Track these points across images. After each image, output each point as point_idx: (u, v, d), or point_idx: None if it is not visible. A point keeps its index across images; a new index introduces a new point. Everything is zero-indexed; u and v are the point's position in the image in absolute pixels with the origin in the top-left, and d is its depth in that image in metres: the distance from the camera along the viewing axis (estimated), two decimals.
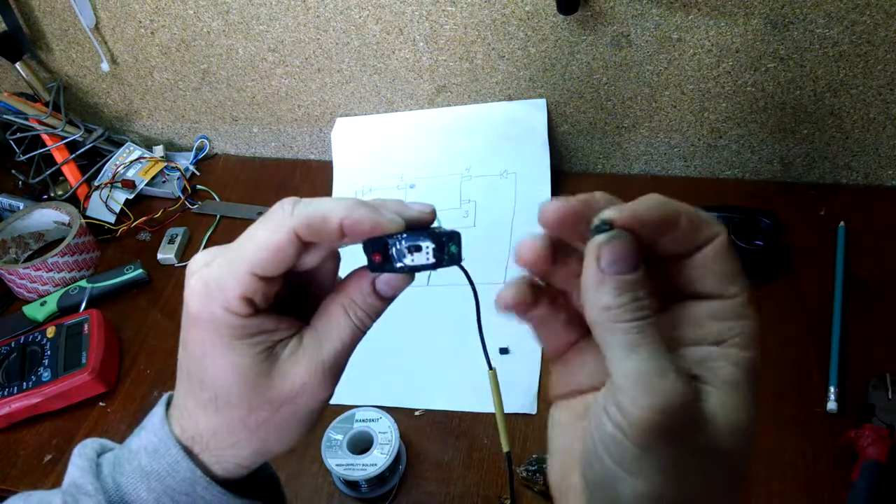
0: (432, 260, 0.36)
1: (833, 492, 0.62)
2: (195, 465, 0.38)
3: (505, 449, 0.57)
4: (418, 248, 0.36)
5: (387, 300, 0.38)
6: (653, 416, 0.27)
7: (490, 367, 0.57)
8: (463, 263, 0.41)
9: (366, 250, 0.37)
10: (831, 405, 0.67)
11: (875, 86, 0.78)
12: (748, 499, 0.62)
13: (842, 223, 0.82)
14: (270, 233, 0.35)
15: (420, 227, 0.38)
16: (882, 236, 0.81)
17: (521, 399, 0.71)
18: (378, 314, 0.39)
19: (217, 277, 0.35)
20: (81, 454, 0.41)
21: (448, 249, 0.37)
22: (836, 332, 0.72)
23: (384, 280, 0.38)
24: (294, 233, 0.34)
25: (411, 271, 0.37)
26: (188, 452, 0.38)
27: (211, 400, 0.37)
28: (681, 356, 0.30)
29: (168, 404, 0.40)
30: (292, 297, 0.40)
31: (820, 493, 0.62)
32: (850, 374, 0.69)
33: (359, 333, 0.38)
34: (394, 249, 0.36)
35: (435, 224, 0.39)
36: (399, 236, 0.36)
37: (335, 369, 0.38)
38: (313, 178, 1.01)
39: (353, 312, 0.38)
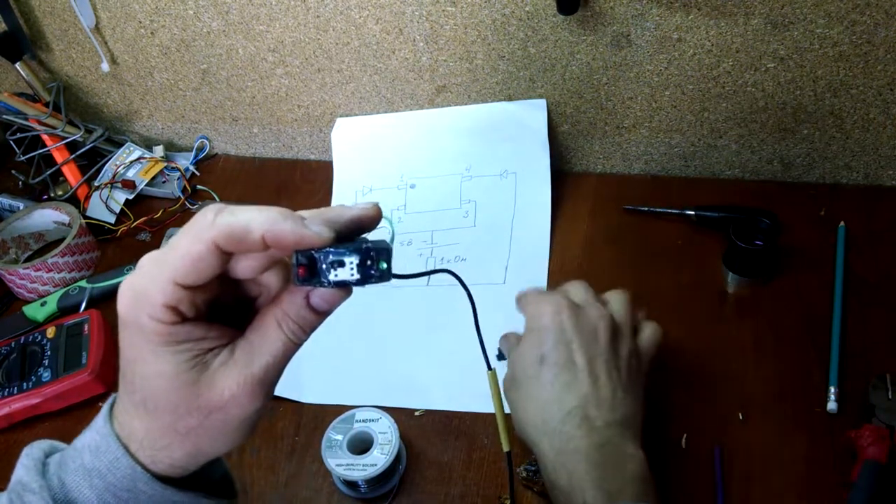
0: (357, 276, 0.35)
1: (833, 492, 0.62)
2: (135, 462, 0.38)
3: (505, 448, 0.58)
4: (342, 264, 0.35)
5: (321, 314, 0.38)
6: None
7: (489, 368, 0.57)
8: (454, 269, 0.41)
9: (293, 263, 0.36)
10: (831, 405, 0.67)
11: (875, 86, 0.78)
12: (748, 498, 0.62)
13: (842, 223, 0.82)
14: (190, 242, 0.34)
15: (357, 235, 0.37)
16: (882, 236, 0.81)
17: None
18: (313, 328, 0.38)
19: (142, 283, 0.35)
20: (29, 454, 0.41)
21: (376, 265, 0.35)
22: (836, 332, 0.72)
23: (319, 294, 0.37)
24: (214, 243, 0.34)
25: (337, 287, 0.36)
26: (127, 450, 0.39)
27: (141, 402, 0.38)
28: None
29: (114, 404, 0.41)
30: (239, 307, 0.40)
31: (820, 493, 0.62)
32: (850, 374, 0.69)
33: (291, 347, 0.38)
34: (319, 264, 0.35)
35: (384, 224, 0.38)
36: (325, 250, 0.35)
37: (266, 382, 0.38)
38: (313, 178, 1.01)
39: (287, 325, 0.37)
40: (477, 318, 0.50)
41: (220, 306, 0.39)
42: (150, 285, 0.35)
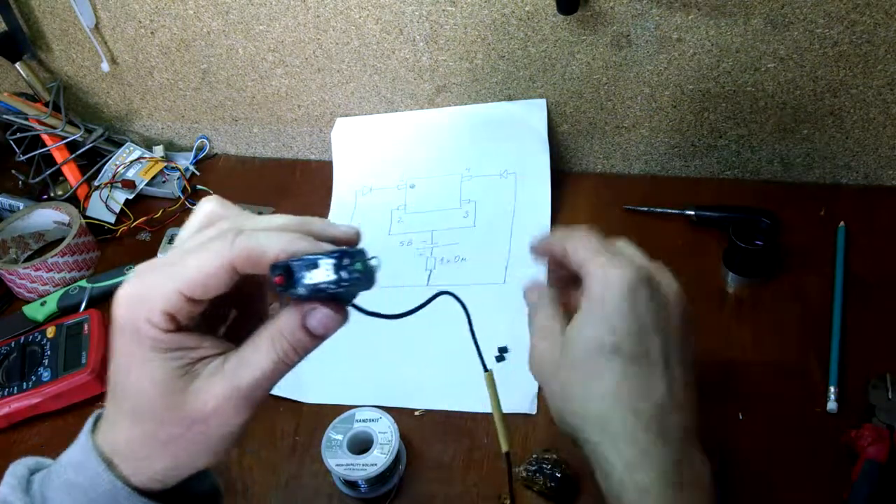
0: (332, 277, 0.35)
1: (833, 492, 0.62)
2: (116, 476, 0.38)
3: (504, 449, 0.58)
4: (316, 265, 0.35)
5: (316, 338, 0.38)
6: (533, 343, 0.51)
7: (486, 369, 0.57)
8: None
9: (270, 274, 0.36)
10: (831, 405, 0.67)
11: (875, 86, 0.78)
12: (748, 499, 0.62)
13: (842, 223, 0.82)
14: (207, 258, 0.35)
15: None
16: (882, 236, 0.81)
17: (520, 399, 0.71)
18: (306, 351, 0.38)
19: (145, 290, 0.36)
20: (13, 473, 0.41)
21: (352, 266, 0.35)
22: (836, 332, 0.72)
23: (315, 317, 0.37)
24: (231, 264, 0.35)
25: (313, 293, 0.35)
26: (110, 464, 0.39)
27: (129, 410, 0.38)
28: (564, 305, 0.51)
29: (98, 419, 0.41)
30: (248, 323, 0.41)
31: (820, 493, 0.62)
32: (850, 374, 0.69)
33: (282, 366, 0.38)
34: (295, 269, 0.35)
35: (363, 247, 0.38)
36: (302, 257, 0.35)
37: (251, 398, 0.38)
38: (313, 178, 1.01)
39: (280, 345, 0.37)
40: (472, 327, 0.51)
41: (231, 321, 0.40)
42: (153, 291, 0.36)
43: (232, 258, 0.35)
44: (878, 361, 0.69)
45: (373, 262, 0.37)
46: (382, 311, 0.45)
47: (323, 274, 0.35)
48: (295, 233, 0.36)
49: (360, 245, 0.39)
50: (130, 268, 0.88)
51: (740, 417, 0.68)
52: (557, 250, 0.52)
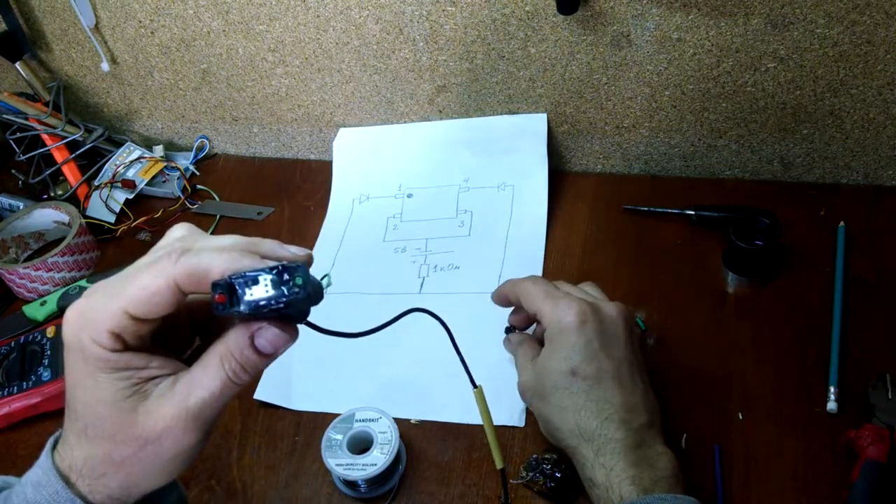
0: (272, 292, 0.35)
1: (833, 492, 0.62)
2: (75, 494, 0.39)
3: (499, 466, 0.59)
4: (255, 282, 0.35)
5: (266, 356, 0.38)
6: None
7: (475, 386, 0.57)
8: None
9: (211, 293, 0.35)
10: (831, 405, 0.66)
11: (875, 86, 0.78)
12: (748, 499, 0.62)
13: (842, 223, 0.82)
14: (152, 277, 0.35)
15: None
16: (882, 236, 0.81)
17: (508, 411, 0.70)
18: (255, 369, 0.38)
19: (91, 309, 0.36)
20: None
21: (291, 282, 0.35)
22: (836, 332, 0.72)
23: (265, 336, 0.37)
24: (175, 281, 0.35)
25: (255, 310, 0.35)
26: (68, 482, 0.39)
27: (82, 429, 0.38)
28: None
29: (59, 439, 0.41)
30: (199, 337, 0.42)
31: (820, 493, 0.62)
32: (850, 374, 0.69)
33: (231, 386, 0.38)
34: (237, 287, 0.35)
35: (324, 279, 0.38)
36: (242, 274, 0.35)
37: (202, 418, 0.38)
38: (313, 177, 1.01)
39: (229, 364, 0.37)
40: (455, 343, 0.51)
41: (182, 338, 0.40)
42: (98, 310, 0.36)
43: (175, 276, 0.35)
44: (878, 361, 0.69)
45: (320, 278, 0.37)
46: (374, 320, 0.45)
47: (262, 290, 0.35)
48: (241, 251, 0.36)
49: (327, 271, 0.39)
50: None
51: (740, 417, 0.68)
52: (511, 298, 0.65)
